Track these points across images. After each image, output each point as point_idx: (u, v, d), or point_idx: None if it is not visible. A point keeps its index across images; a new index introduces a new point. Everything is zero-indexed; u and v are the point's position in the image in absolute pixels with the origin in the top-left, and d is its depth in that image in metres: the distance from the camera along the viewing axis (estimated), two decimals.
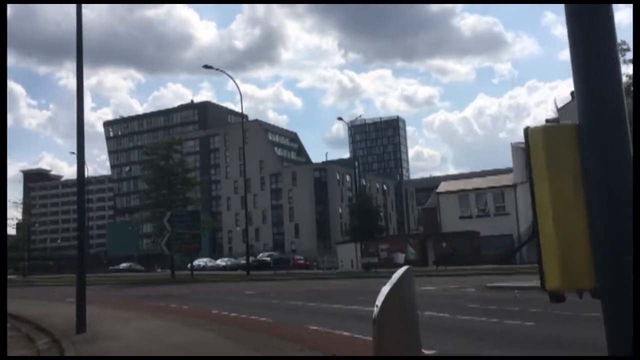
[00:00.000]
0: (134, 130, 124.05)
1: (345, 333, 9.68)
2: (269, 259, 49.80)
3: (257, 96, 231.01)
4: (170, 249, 39.24)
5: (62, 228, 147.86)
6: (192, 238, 39.24)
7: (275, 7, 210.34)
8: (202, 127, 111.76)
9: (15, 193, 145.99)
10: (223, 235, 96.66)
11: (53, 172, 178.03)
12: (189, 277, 39.65)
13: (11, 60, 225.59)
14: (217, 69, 47.48)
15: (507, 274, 26.99)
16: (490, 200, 52.45)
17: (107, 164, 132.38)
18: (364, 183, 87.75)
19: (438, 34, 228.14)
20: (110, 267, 79.20)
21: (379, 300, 2.00)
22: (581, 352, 7.25)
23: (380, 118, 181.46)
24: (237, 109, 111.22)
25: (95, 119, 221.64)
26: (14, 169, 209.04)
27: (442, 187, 57.62)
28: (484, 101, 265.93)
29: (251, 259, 46.81)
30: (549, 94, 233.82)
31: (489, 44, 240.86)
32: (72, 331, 10.90)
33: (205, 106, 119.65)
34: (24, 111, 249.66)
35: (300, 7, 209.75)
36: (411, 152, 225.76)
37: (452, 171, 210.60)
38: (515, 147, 53.07)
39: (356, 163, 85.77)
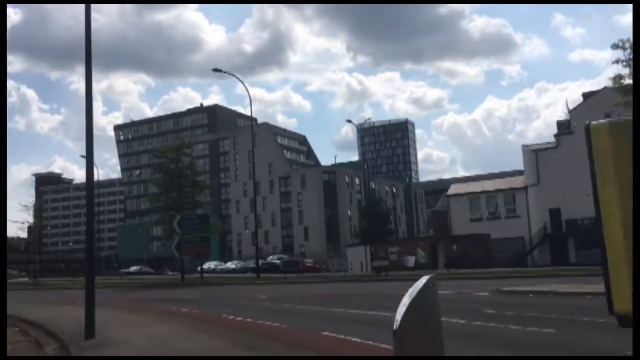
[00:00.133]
0: (145, 134, 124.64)
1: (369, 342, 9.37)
2: (279, 262, 49.61)
3: (267, 100, 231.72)
4: (180, 252, 39.26)
5: (73, 231, 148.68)
6: (202, 241, 39.20)
7: (285, 11, 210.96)
8: (212, 130, 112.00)
9: (27, 197, 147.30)
10: (233, 239, 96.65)
11: (65, 176, 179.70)
12: (199, 280, 39.64)
13: (24, 65, 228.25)
14: (226, 72, 47.52)
15: (520, 277, 26.66)
16: (501, 202, 52.03)
17: (118, 167, 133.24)
18: (374, 186, 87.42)
19: (447, 36, 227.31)
20: (121, 271, 79.43)
21: (400, 312, 1.77)
22: None
23: (390, 121, 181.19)
24: (247, 112, 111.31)
25: (107, 123, 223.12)
26: (27, 173, 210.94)
27: (453, 189, 57.27)
28: (493, 103, 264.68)
29: (261, 262, 46.66)
30: (559, 95, 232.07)
31: (498, 46, 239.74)
32: (81, 337, 10.77)
33: (214, 110, 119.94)
34: (36, 115, 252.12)
35: (309, 11, 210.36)
36: (420, 155, 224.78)
37: (462, 174, 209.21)
38: (526, 150, 52.65)
39: (365, 166, 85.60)
